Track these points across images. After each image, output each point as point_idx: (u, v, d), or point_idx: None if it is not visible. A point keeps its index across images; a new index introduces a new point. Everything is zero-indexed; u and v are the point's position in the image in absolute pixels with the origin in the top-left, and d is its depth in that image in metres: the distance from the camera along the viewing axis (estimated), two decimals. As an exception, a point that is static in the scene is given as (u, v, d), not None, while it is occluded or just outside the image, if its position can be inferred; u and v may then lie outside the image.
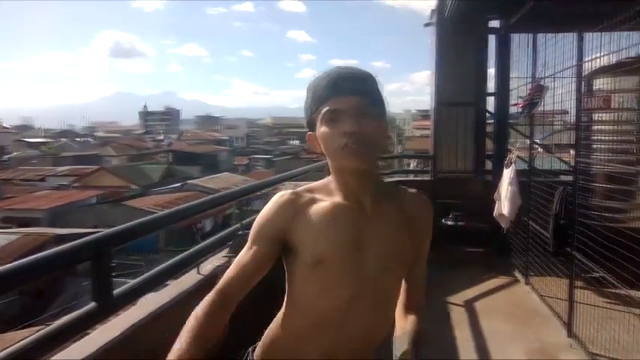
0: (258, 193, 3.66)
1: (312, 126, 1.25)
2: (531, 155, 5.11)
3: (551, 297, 4.51)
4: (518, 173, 5.11)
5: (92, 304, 1.58)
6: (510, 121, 6.14)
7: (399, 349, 1.21)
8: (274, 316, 1.34)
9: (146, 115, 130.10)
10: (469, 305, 4.84)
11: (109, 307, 1.64)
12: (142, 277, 1.88)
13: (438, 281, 5.42)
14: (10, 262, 1.37)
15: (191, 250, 2.27)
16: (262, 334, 1.36)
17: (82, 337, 1.57)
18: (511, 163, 5.15)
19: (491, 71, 6.44)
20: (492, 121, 6.54)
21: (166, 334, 1.99)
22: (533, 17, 4.95)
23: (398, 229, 1.26)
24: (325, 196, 1.26)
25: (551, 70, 4.57)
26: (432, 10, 6.53)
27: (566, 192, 4.29)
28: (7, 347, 1.30)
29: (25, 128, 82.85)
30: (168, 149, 49.20)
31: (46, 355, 1.40)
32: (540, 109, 4.73)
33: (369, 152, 1.17)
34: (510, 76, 5.98)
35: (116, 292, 1.68)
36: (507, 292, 5.19)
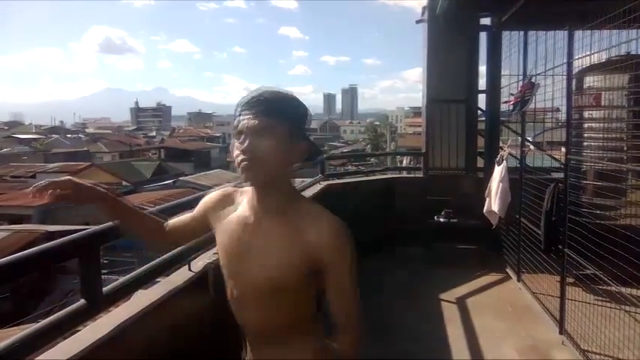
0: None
1: None
2: (523, 153, 5.13)
3: (543, 294, 4.52)
4: (510, 170, 5.13)
5: (81, 302, 1.56)
6: (502, 118, 6.16)
7: None
8: None
9: (137, 111, 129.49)
10: (461, 302, 4.85)
11: (98, 305, 1.62)
12: (131, 274, 1.86)
13: (430, 278, 5.45)
14: (-1, 260, 1.35)
15: (182, 247, 2.25)
16: None
17: (71, 334, 1.56)
18: (502, 160, 5.17)
19: (483, 68, 6.46)
20: (484, 118, 6.56)
21: (156, 332, 1.99)
22: (525, 15, 4.96)
23: (280, 244, 1.33)
24: (244, 203, 1.43)
25: (542, 67, 4.59)
26: (424, 7, 6.53)
27: (558, 189, 4.31)
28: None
29: (14, 124, 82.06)
30: (160, 146, 48.96)
31: (34, 353, 1.38)
32: (532, 106, 4.74)
33: (257, 169, 1.27)
34: (502, 73, 5.99)
35: (105, 289, 1.66)
36: (499, 289, 5.21)
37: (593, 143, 4.94)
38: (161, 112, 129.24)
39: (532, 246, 4.70)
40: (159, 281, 2.15)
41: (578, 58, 3.79)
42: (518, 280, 5.18)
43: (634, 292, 3.39)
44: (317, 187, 5.11)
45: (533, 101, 4.64)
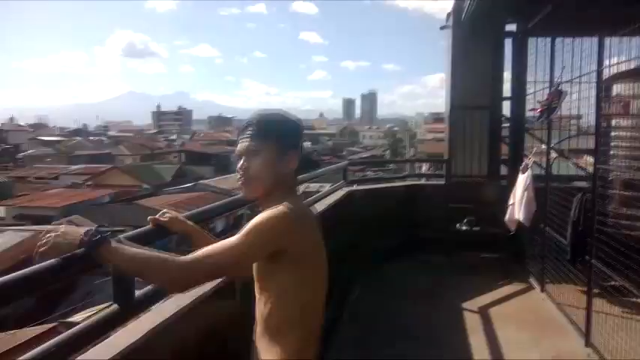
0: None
1: None
2: (548, 161, 5.05)
3: (568, 305, 4.45)
4: (534, 179, 5.06)
5: (114, 307, 1.57)
6: (526, 125, 6.09)
7: None
8: None
9: (159, 114, 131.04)
10: (484, 311, 4.80)
11: (130, 310, 1.63)
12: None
13: (453, 286, 5.39)
14: (23, 260, 1.36)
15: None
16: None
17: (101, 340, 1.57)
18: (527, 168, 5.10)
19: (507, 75, 6.39)
20: (508, 125, 6.49)
21: (185, 339, 2.00)
22: (551, 21, 4.90)
23: None
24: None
25: (569, 74, 4.53)
26: (449, 13, 6.50)
27: (585, 199, 4.23)
28: (29, 348, 1.29)
29: (39, 126, 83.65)
30: (181, 149, 49.43)
31: (67, 359, 1.39)
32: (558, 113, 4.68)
33: (250, 187, 1.52)
34: (527, 80, 5.92)
35: (138, 294, 1.67)
36: (522, 299, 5.14)
37: (620, 152, 4.85)
38: (182, 115, 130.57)
39: (557, 256, 4.63)
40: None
41: (611, 65, 3.71)
42: (542, 291, 5.11)
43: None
44: (339, 194, 5.10)
45: (560, 109, 4.58)
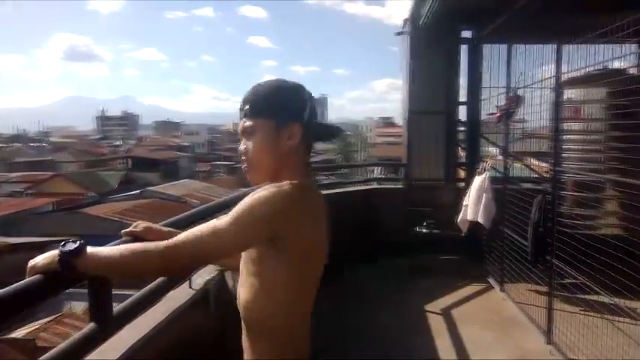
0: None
1: None
2: (507, 164, 5.19)
3: (527, 304, 4.57)
4: (492, 181, 5.17)
5: (91, 325, 1.46)
6: (481, 130, 6.24)
7: None
8: None
9: (103, 120, 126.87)
10: (447, 313, 4.85)
11: (109, 328, 1.53)
12: (138, 293, 1.76)
13: (415, 289, 5.44)
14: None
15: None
16: None
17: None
18: (484, 170, 5.21)
19: (463, 81, 6.54)
20: (464, 129, 6.63)
21: (164, 352, 1.91)
22: (507, 29, 5.03)
23: None
24: None
25: (526, 80, 4.67)
26: (405, 19, 6.58)
27: (546, 200, 4.36)
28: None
29: (-27, 132, 79.37)
30: (127, 155, 48.00)
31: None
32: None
33: (254, 172, 1.35)
34: (482, 85, 6.07)
35: (115, 310, 1.57)
36: (483, 299, 5.24)
37: (573, 155, 5.03)
38: (128, 120, 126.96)
39: (516, 256, 4.75)
40: (160, 300, 2.06)
41: (569, 72, 3.85)
42: (501, 290, 5.22)
43: (622, 301, 3.45)
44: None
45: (518, 113, 4.71)
